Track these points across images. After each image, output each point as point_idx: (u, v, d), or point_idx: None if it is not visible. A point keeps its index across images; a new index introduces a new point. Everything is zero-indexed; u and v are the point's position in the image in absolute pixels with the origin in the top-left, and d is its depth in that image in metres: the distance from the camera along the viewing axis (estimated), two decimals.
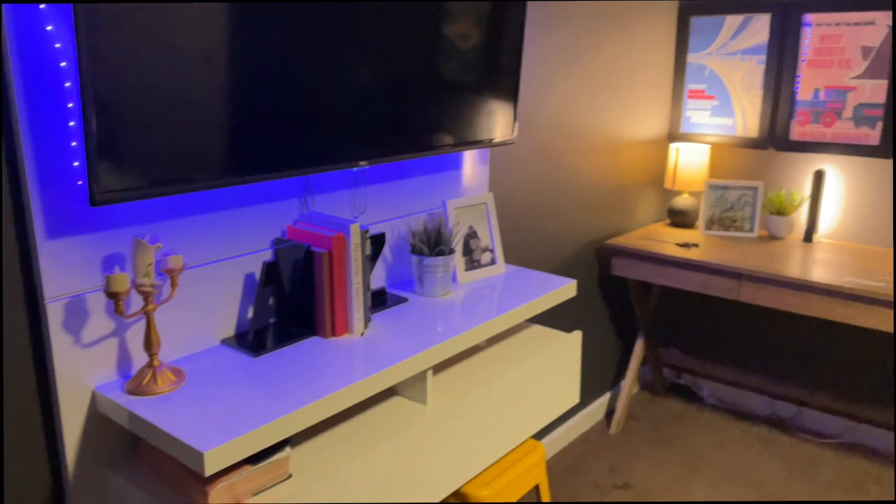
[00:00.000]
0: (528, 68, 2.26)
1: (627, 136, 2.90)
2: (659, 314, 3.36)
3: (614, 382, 3.20)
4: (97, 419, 1.32)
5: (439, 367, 1.79)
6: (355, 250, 1.53)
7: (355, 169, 1.68)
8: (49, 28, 1.16)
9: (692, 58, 3.07)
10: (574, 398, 2.01)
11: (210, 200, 1.44)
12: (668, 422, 3.09)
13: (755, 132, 2.96)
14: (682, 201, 3.02)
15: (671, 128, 3.18)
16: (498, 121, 1.96)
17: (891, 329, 2.26)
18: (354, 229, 1.51)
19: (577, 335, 1.97)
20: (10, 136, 1.18)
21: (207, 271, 1.46)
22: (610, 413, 3.15)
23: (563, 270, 2.68)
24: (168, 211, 1.37)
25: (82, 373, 1.29)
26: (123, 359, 1.35)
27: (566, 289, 1.92)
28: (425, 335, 1.57)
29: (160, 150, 1.23)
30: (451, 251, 1.80)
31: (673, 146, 2.98)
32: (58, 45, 1.17)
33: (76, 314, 1.26)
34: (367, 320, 1.59)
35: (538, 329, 2.03)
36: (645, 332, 3.07)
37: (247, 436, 1.17)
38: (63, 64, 1.18)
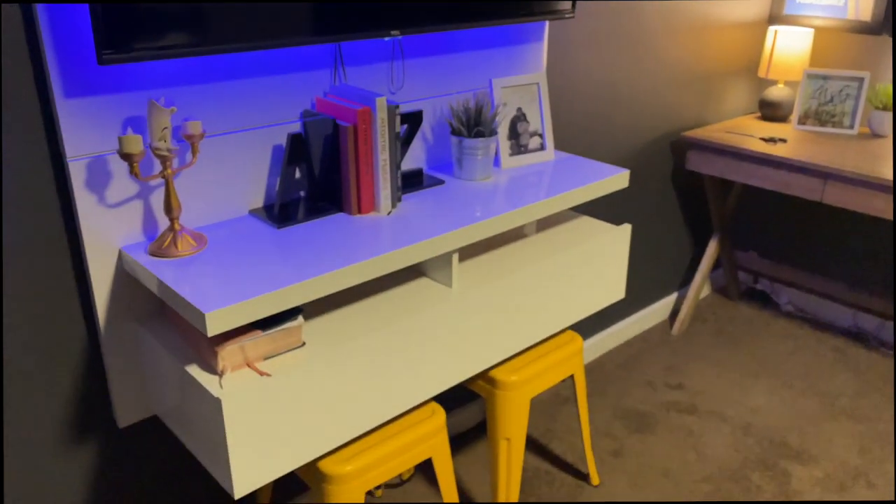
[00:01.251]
0: None
1: (719, 14, 2.62)
2: (737, 214, 3.15)
3: (683, 283, 3.08)
4: (125, 277, 1.38)
5: (475, 252, 1.75)
6: (382, 126, 1.47)
7: (387, 39, 1.59)
8: None
9: None
10: (619, 293, 1.94)
11: (235, 66, 1.42)
12: (738, 326, 2.97)
13: (868, 15, 2.61)
14: (776, 92, 2.75)
15: (773, 8, 2.85)
16: None
17: None
18: (381, 103, 1.46)
19: (626, 228, 1.87)
20: None
21: (234, 140, 1.46)
22: (675, 314, 3.05)
23: (629, 163, 2.53)
24: (192, 75, 1.36)
25: (108, 232, 1.33)
26: (149, 221, 1.38)
27: (617, 178, 1.81)
28: (455, 217, 1.52)
29: (171, 10, 1.19)
30: (493, 133, 1.72)
31: (771, 29, 2.68)
32: None
33: (99, 174, 1.29)
34: (395, 199, 1.56)
35: (586, 220, 1.94)
36: (720, 232, 2.90)
37: (250, 301, 1.19)
38: None
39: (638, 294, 2.85)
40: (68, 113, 1.23)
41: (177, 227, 1.34)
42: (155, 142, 1.26)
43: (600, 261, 1.83)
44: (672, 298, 3.04)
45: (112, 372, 1.43)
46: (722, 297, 3.19)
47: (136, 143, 1.22)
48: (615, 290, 1.93)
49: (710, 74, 2.71)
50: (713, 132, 2.63)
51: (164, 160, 1.29)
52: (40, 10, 1.16)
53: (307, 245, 1.38)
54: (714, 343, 2.85)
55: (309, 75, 1.54)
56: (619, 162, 2.48)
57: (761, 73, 2.75)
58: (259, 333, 1.28)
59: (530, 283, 1.66)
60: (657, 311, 2.98)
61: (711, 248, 2.92)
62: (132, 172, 1.24)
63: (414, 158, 1.79)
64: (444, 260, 1.56)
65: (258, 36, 1.32)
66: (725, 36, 2.71)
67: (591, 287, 1.84)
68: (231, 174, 1.47)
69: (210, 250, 1.36)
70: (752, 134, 2.61)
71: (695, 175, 2.87)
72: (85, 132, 1.26)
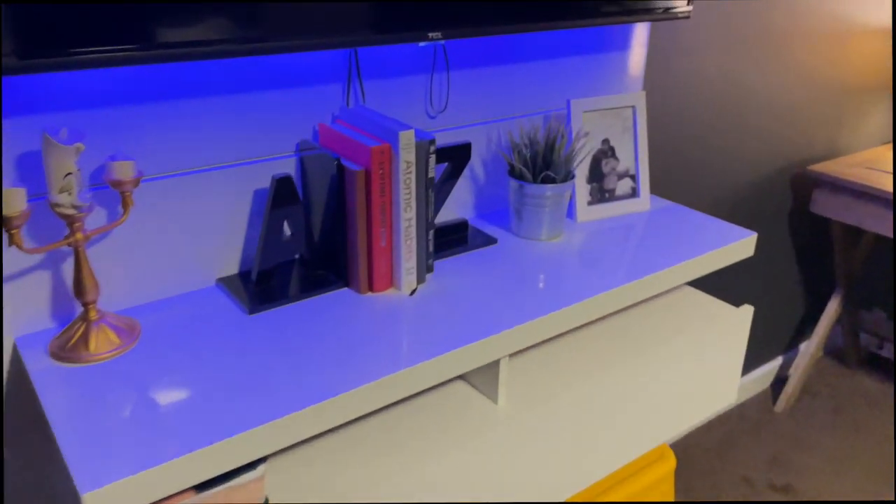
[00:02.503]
0: None
1: (860, 20, 2.04)
2: (867, 268, 2.55)
3: (791, 344, 2.51)
4: (23, 382, 0.96)
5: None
6: (407, 170, 1.01)
7: (423, 44, 1.12)
8: None
9: None
10: (728, 396, 1.42)
11: (199, 79, 0.98)
12: (859, 403, 2.38)
13: None
14: None
15: None
16: None
17: None
18: (407, 137, 0.99)
19: (747, 311, 1.35)
20: None
21: (195, 182, 1.02)
22: (779, 383, 2.49)
23: (738, 201, 1.99)
24: (126, 91, 0.92)
25: None
26: (60, 299, 0.96)
27: (740, 246, 1.30)
28: (508, 303, 1.05)
29: None
30: (569, 177, 1.23)
31: None
32: None
33: None
34: (425, 271, 1.10)
35: (689, 293, 1.43)
36: (845, 288, 2.32)
37: (163, 468, 0.74)
38: None
39: None
40: None
41: (92, 315, 0.91)
42: (55, 194, 0.83)
43: (708, 353, 1.32)
44: (776, 364, 2.48)
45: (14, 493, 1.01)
46: (837, 364, 2.61)
47: (13, 201, 0.79)
48: (725, 391, 1.41)
49: (846, 92, 2.14)
50: (848, 167, 2.06)
51: (69, 221, 0.86)
52: None
53: (285, 347, 0.93)
54: (830, 425, 2.28)
55: (310, 92, 1.08)
56: (722, 200, 1.95)
57: None
58: (192, 496, 0.84)
59: (608, 392, 1.17)
60: (758, 380, 2.42)
61: (832, 307, 2.35)
62: (12, 243, 0.81)
63: (458, 204, 1.32)
64: (488, 365, 1.08)
65: (226, 38, 0.87)
66: (868, 45, 2.13)
67: (693, 389, 1.33)
68: (190, 230, 1.03)
69: (140, 350, 0.92)
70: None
71: (818, 219, 2.30)
72: None
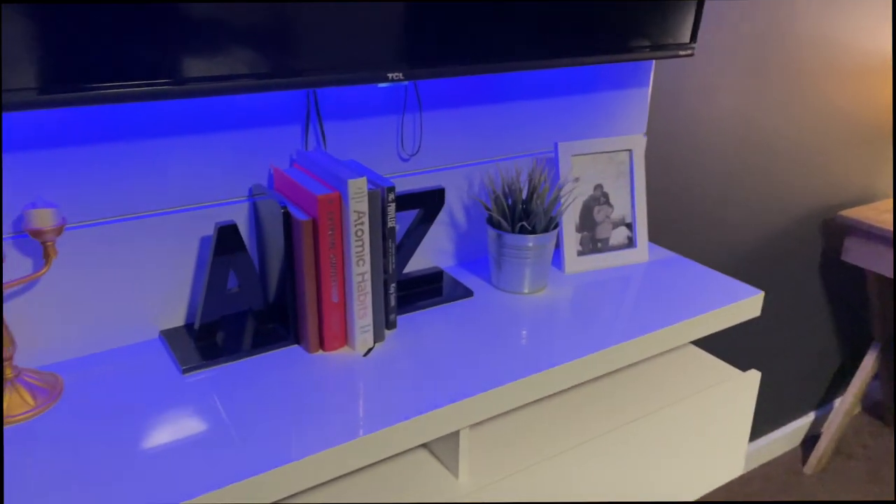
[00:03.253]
0: None
1: (885, 52, 1.91)
2: None
3: (824, 399, 2.33)
4: None
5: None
6: (358, 221, 0.92)
7: (384, 85, 1.04)
8: None
9: None
10: (735, 467, 1.28)
11: (140, 117, 0.91)
12: None
13: None
14: None
15: None
16: (666, 15, 1.20)
17: None
18: (356, 186, 0.91)
19: (753, 377, 1.22)
20: None
21: (134, 229, 0.95)
22: (810, 441, 2.31)
23: (761, 247, 1.85)
24: (54, 132, 0.86)
25: None
26: None
27: (745, 305, 1.17)
28: (477, 364, 0.95)
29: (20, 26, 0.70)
30: (552, 226, 1.13)
31: None
32: None
33: None
34: (383, 328, 1.00)
35: (692, 354, 1.31)
36: (883, 340, 2.15)
37: None
38: None
39: (762, 413, 2.14)
40: None
41: (8, 373, 0.84)
42: None
43: (710, 421, 1.20)
44: (808, 420, 2.30)
45: None
46: (875, 422, 2.41)
47: None
48: (730, 462, 1.28)
49: (878, 131, 1.99)
50: (881, 212, 1.91)
51: None
52: None
53: (221, 410, 0.85)
54: (866, 492, 2.09)
55: (270, 132, 1.01)
56: (746, 249, 1.81)
57: None
58: None
59: (594, 464, 1.05)
60: (786, 437, 2.25)
61: (869, 362, 2.17)
62: None
63: (436, 251, 1.23)
64: (450, 434, 0.98)
65: (164, 78, 0.80)
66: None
67: (693, 461, 1.20)
68: (128, 280, 0.96)
69: (59, 411, 0.85)
70: None
71: (852, 268, 2.13)
72: None
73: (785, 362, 2.12)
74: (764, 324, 1.98)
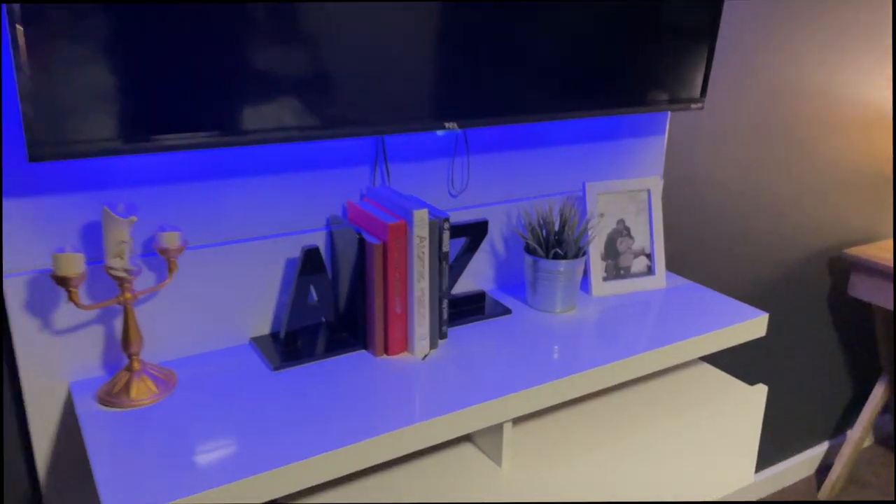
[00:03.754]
0: (738, 2, 1.62)
1: (890, 106, 2.08)
2: None
3: (837, 430, 2.45)
4: (72, 422, 1.08)
5: (538, 412, 1.32)
6: (420, 245, 1.11)
7: (441, 133, 1.24)
8: None
9: None
10: (745, 476, 1.43)
11: (240, 161, 1.12)
12: None
13: None
14: None
15: None
16: (681, 75, 1.39)
17: None
18: (420, 216, 1.10)
19: (760, 391, 1.38)
20: None
21: (234, 252, 1.15)
22: (824, 470, 2.42)
23: (774, 283, 2.01)
24: (174, 171, 1.07)
25: (54, 363, 1.05)
26: (111, 350, 1.09)
27: (750, 325, 1.34)
28: (519, 368, 1.12)
29: (138, 87, 0.91)
30: (580, 253, 1.31)
31: None
32: None
33: (44, 293, 1.01)
34: (437, 337, 1.18)
35: (705, 370, 1.47)
36: (890, 374, 2.27)
37: (195, 497, 0.84)
38: None
39: (777, 441, 2.26)
40: (7, 217, 0.97)
41: (136, 366, 1.03)
42: (110, 259, 0.97)
43: (721, 430, 1.35)
44: (822, 449, 2.41)
45: None
46: (886, 451, 2.51)
47: (72, 264, 0.93)
48: (740, 472, 1.42)
49: (881, 176, 2.15)
50: (885, 250, 2.06)
51: (121, 282, 0.99)
52: None
53: (310, 401, 1.03)
54: None
55: (343, 173, 1.21)
56: (759, 283, 1.97)
57: None
58: None
59: (619, 463, 1.21)
60: (801, 465, 2.36)
61: (878, 393, 2.29)
62: (71, 299, 0.95)
63: (478, 276, 1.41)
64: (493, 429, 1.15)
65: (263, 127, 1.01)
66: None
67: (706, 466, 1.35)
68: (227, 293, 1.16)
69: (175, 398, 1.03)
70: None
71: (859, 302, 2.28)
72: (25, 241, 0.99)
73: (798, 393, 2.25)
74: (776, 355, 2.12)
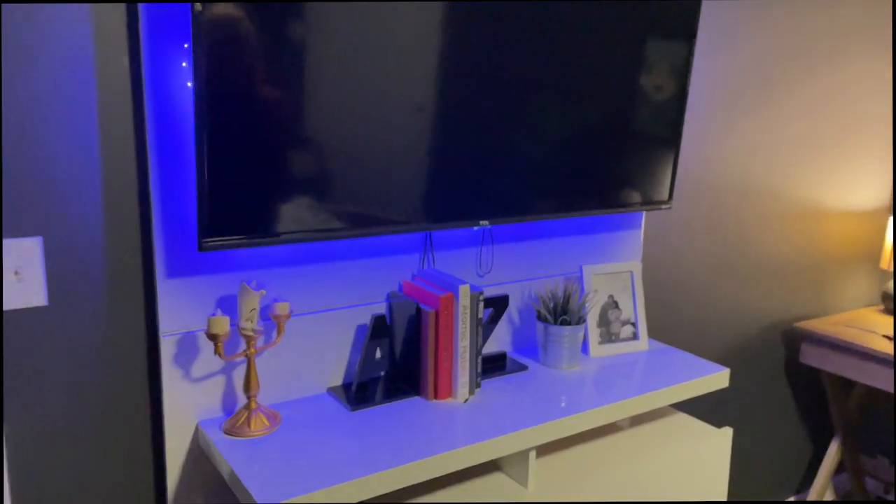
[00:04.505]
0: (694, 110, 2.07)
1: (832, 202, 2.53)
2: (863, 415, 2.85)
3: (801, 487, 2.77)
4: (198, 451, 1.39)
5: (557, 446, 1.65)
6: (464, 312, 1.47)
7: (475, 228, 1.63)
8: (184, 65, 1.26)
9: None
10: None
11: (328, 250, 1.48)
12: None
13: None
14: None
15: (895, 197, 2.73)
16: (652, 181, 1.80)
17: None
18: (464, 290, 1.46)
19: (727, 433, 1.72)
20: (145, 186, 1.30)
21: (320, 319, 1.49)
22: None
23: (736, 353, 2.38)
24: (285, 257, 1.43)
25: (189, 405, 1.36)
26: (228, 395, 1.41)
27: (715, 378, 1.69)
28: (537, 410, 1.46)
29: (267, 203, 1.28)
30: (581, 321, 1.67)
31: (892, 220, 2.55)
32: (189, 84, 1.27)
33: (187, 349, 1.35)
34: (474, 385, 1.52)
35: (683, 419, 1.81)
36: (843, 434, 2.62)
37: (311, 495, 1.15)
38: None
39: (748, 498, 2.58)
40: (167, 292, 1.31)
41: (253, 405, 1.35)
42: (242, 322, 1.31)
43: (697, 467, 1.68)
44: None
45: None
46: None
47: (223, 325, 1.27)
48: (713, 500, 1.74)
49: (826, 263, 2.58)
50: (831, 325, 2.45)
51: (249, 340, 1.33)
52: (155, 201, 1.28)
53: (380, 432, 1.35)
54: None
55: (398, 259, 1.58)
56: (723, 352, 2.34)
57: (883, 265, 2.58)
58: None
59: (616, 488, 1.53)
60: None
61: (832, 452, 2.63)
62: (216, 352, 1.28)
63: (499, 341, 1.76)
64: (520, 456, 1.47)
65: (355, 224, 1.38)
66: (843, 224, 2.59)
67: (686, 496, 1.67)
68: (313, 352, 1.49)
69: (281, 431, 1.35)
70: (875, 330, 2.41)
71: (812, 369, 2.65)
72: (179, 310, 1.33)
73: (765, 453, 2.58)
74: (742, 416, 2.46)
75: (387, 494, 1.43)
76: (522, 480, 1.47)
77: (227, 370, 1.40)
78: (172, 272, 1.31)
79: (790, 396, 2.61)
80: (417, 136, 1.42)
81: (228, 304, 1.38)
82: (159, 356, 1.33)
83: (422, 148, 1.43)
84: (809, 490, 2.75)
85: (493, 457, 1.36)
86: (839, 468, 2.86)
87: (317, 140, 1.31)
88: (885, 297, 2.59)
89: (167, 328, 1.32)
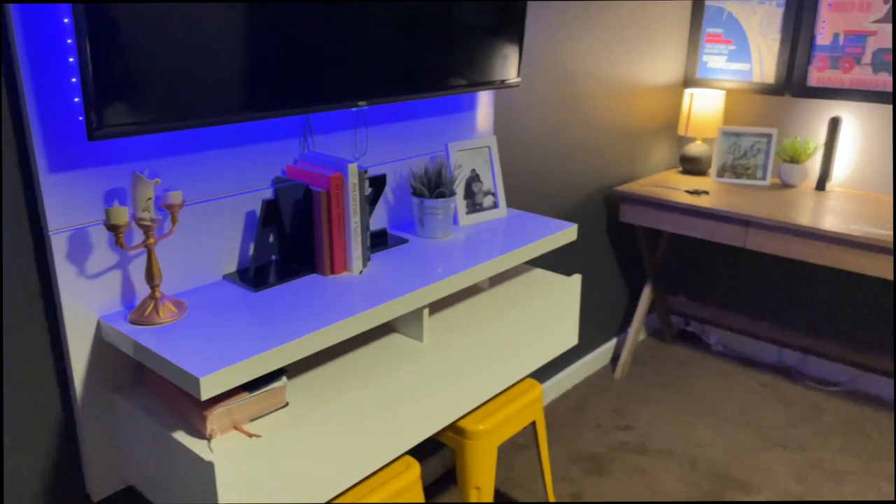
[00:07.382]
0: (536, 8, 2.23)
1: (641, 80, 2.85)
2: (668, 262, 3.36)
3: (621, 329, 3.24)
4: (103, 347, 1.38)
5: (439, 307, 1.83)
6: (353, 190, 1.55)
7: (355, 109, 1.69)
8: None
9: (710, 0, 2.99)
10: (572, 339, 2.05)
11: (211, 138, 1.47)
12: (674, 367, 3.13)
13: (771, 78, 2.90)
14: (695, 148, 2.99)
15: (687, 73, 3.12)
16: (503, 63, 1.95)
17: (892, 277, 2.25)
18: (352, 169, 1.54)
19: (577, 279, 1.99)
20: (12, 74, 1.20)
21: (209, 208, 1.50)
22: (616, 358, 3.20)
23: (570, 216, 2.69)
24: (170, 147, 1.40)
25: (87, 302, 1.34)
26: (127, 290, 1.40)
27: (566, 233, 1.94)
28: (423, 274, 1.60)
29: (158, 88, 1.25)
30: (452, 193, 1.82)
31: (687, 92, 2.94)
32: None
33: (80, 246, 1.31)
34: (365, 259, 1.63)
35: (539, 273, 2.06)
36: (653, 279, 3.08)
37: (241, 364, 1.22)
38: None
39: (581, 341, 2.98)
40: (51, 188, 1.25)
41: (158, 294, 1.36)
42: (139, 212, 1.30)
43: (555, 310, 1.94)
44: (612, 344, 3.18)
45: (87, 443, 1.41)
46: (657, 341, 3.36)
47: (122, 215, 1.25)
48: (569, 336, 2.03)
49: (636, 133, 2.93)
50: (642, 186, 2.83)
51: (147, 230, 1.32)
52: (27, 89, 1.20)
53: (286, 307, 1.43)
54: (655, 384, 3.00)
55: (279, 144, 1.60)
56: (560, 215, 2.63)
57: (681, 132, 2.99)
58: (246, 395, 1.31)
59: (495, 335, 1.75)
60: (599, 357, 3.11)
61: (646, 295, 3.09)
62: (118, 243, 1.27)
63: (378, 219, 1.87)
64: (414, 316, 1.63)
65: (237, 109, 1.38)
66: (649, 98, 2.94)
67: (548, 335, 1.94)
68: (206, 241, 1.51)
69: (191, 316, 1.38)
70: (677, 187, 2.82)
71: (628, 226, 3.06)
72: (67, 206, 1.28)
73: (593, 301, 2.98)
74: (576, 268, 2.81)
75: (304, 360, 1.52)
76: (418, 336, 1.63)
77: (123, 264, 1.38)
78: (55, 167, 1.25)
79: (612, 252, 3.01)
80: (287, 25, 1.43)
81: (118, 197, 1.35)
82: (49, 255, 1.29)
83: (297, 33, 1.44)
84: (628, 330, 3.23)
85: (394, 315, 1.49)
86: (651, 309, 3.37)
87: (197, 28, 1.28)
88: (683, 159, 3.02)
89: (56, 225, 1.28)
